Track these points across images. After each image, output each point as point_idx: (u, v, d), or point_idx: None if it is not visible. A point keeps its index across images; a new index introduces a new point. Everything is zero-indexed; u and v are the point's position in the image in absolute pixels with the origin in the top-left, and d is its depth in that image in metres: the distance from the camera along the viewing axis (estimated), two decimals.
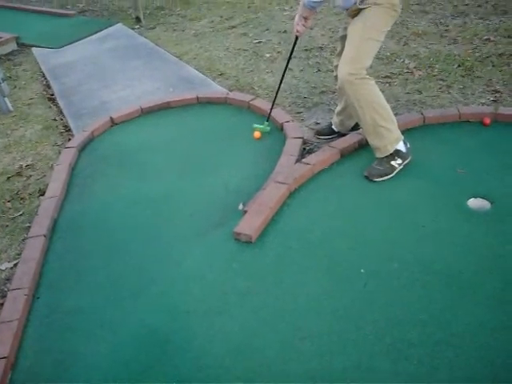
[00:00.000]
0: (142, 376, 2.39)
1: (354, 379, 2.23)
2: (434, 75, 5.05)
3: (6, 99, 5.68)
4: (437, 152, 3.70)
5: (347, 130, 3.99)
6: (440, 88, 4.78)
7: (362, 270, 2.78)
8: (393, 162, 3.48)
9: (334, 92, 4.78)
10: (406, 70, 5.24)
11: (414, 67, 5.28)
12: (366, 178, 3.49)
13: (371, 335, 2.42)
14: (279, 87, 4.21)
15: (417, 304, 2.54)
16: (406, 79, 5.04)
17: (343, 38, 3.52)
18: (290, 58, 3.98)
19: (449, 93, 4.66)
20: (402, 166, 3.51)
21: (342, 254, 2.92)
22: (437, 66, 5.23)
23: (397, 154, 3.48)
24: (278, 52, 6.25)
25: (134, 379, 2.38)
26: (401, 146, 3.49)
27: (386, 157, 3.48)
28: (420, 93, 4.73)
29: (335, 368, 2.29)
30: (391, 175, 3.47)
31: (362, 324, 2.47)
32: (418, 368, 2.24)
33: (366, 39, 3.27)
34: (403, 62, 5.44)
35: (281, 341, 2.45)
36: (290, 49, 3.94)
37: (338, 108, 3.98)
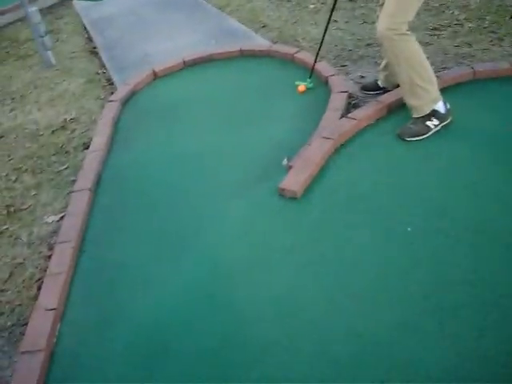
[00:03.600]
0: (186, 331, 2.41)
1: (400, 338, 2.20)
2: (485, 27, 4.85)
3: (48, 52, 5.70)
4: (488, 108, 3.57)
5: (393, 86, 3.87)
6: (491, 41, 4.59)
7: (409, 229, 2.72)
8: (428, 123, 3.37)
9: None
10: (455, 22, 5.04)
11: (464, 18, 5.07)
12: (399, 136, 3.40)
13: (417, 294, 2.38)
14: (322, 40, 4.08)
15: (464, 264, 2.49)
16: (456, 31, 4.86)
17: None
18: (333, 8, 3.83)
19: (500, 46, 4.47)
20: (439, 127, 3.39)
21: (388, 211, 2.87)
22: (488, 17, 5.02)
23: (434, 114, 3.37)
24: (323, 3, 6.07)
25: (179, 334, 2.40)
26: (439, 107, 3.38)
27: (422, 117, 3.37)
28: (470, 46, 4.55)
29: (380, 327, 2.27)
30: (425, 136, 3.37)
31: (408, 283, 2.44)
32: (464, 329, 2.19)
33: None
34: (452, 13, 5.23)
35: (325, 298, 2.44)
36: None
37: (383, 63, 3.85)
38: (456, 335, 2.18)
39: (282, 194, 3.08)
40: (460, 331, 2.19)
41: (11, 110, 4.95)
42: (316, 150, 3.30)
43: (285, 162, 3.37)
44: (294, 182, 3.09)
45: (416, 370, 2.08)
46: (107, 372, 2.31)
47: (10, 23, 7.68)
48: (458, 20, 5.07)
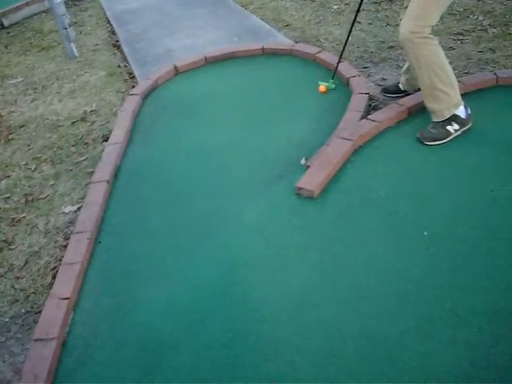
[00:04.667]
0: (199, 325, 2.41)
1: (412, 344, 2.19)
2: (510, 33, 4.79)
3: (72, 44, 5.73)
4: (510, 115, 3.53)
5: (414, 89, 3.84)
6: None
7: (426, 233, 2.71)
8: (449, 127, 3.35)
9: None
10: (479, 27, 5.00)
11: (489, 24, 5.02)
12: (418, 140, 3.38)
13: (431, 299, 2.36)
14: (347, 41, 4.07)
15: (480, 271, 2.46)
16: (480, 37, 4.81)
17: None
18: (358, 10, 3.83)
19: None
20: (459, 132, 3.36)
21: (405, 215, 2.85)
22: None
23: (454, 119, 3.34)
24: (346, 4, 6.06)
25: (192, 328, 2.41)
26: (460, 112, 3.35)
27: (442, 121, 3.34)
28: (493, 52, 4.51)
29: (392, 331, 2.25)
30: (445, 141, 3.34)
31: (422, 288, 2.42)
32: (477, 336, 2.17)
33: None
34: (477, 18, 5.19)
35: (339, 299, 2.43)
36: (359, 1, 3.78)
37: (405, 66, 3.83)
38: (469, 342, 2.16)
39: (298, 193, 3.08)
40: (473, 339, 2.17)
41: (33, 100, 4.99)
42: (335, 151, 3.29)
43: (303, 161, 3.36)
44: (311, 181, 3.08)
45: (427, 376, 2.06)
46: (118, 363, 2.32)
47: (35, 14, 7.73)
48: (482, 25, 5.03)
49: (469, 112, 3.38)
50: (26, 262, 3.03)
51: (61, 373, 2.33)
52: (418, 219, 2.81)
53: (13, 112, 4.82)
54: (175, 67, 4.96)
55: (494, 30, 4.89)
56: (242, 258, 2.75)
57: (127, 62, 5.54)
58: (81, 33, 6.59)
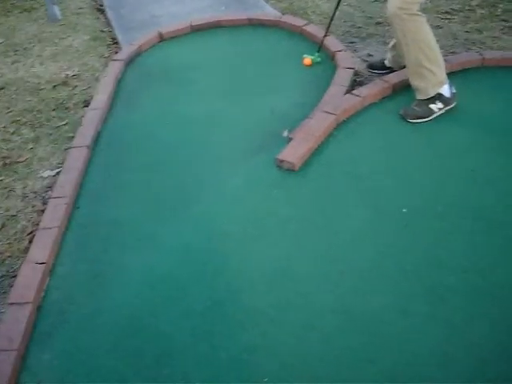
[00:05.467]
0: (177, 293, 2.41)
1: (390, 318, 2.21)
2: (497, 15, 4.79)
3: (55, 7, 5.61)
4: (494, 96, 3.55)
5: (399, 67, 3.82)
6: (502, 29, 4.54)
7: (404, 210, 2.72)
8: (432, 106, 3.35)
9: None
10: (467, 7, 4.98)
11: (477, 5, 5.01)
12: (401, 117, 3.39)
13: (410, 276, 2.38)
14: (333, 15, 4.02)
15: (459, 249, 2.49)
16: (467, 17, 4.80)
17: None
18: None
19: (511, 35, 4.43)
20: (443, 111, 3.37)
21: (386, 191, 2.86)
22: (501, 5, 4.95)
23: (438, 98, 3.35)
24: None
25: (170, 296, 2.41)
26: (444, 91, 3.35)
27: (426, 99, 3.35)
28: (480, 32, 4.51)
29: (371, 306, 2.27)
30: (428, 119, 3.36)
31: (401, 264, 2.44)
32: (454, 314, 2.21)
33: None
34: None
35: (318, 272, 2.44)
36: None
37: (391, 43, 3.81)
38: (446, 320, 2.19)
39: (280, 165, 3.07)
40: (450, 316, 2.20)
41: (13, 63, 4.88)
42: (317, 124, 3.28)
43: (285, 133, 3.35)
44: (292, 154, 3.07)
45: (403, 350, 2.09)
46: (93, 329, 2.31)
47: None
48: (470, 6, 5.01)
49: (453, 91, 3.38)
50: (3, 226, 2.99)
51: (36, 336, 2.31)
52: (397, 196, 2.82)
53: None
54: (160, 34, 4.88)
55: (482, 11, 4.88)
56: (221, 227, 2.74)
57: (111, 27, 5.44)
58: None
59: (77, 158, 3.31)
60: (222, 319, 2.28)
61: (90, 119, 3.69)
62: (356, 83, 3.90)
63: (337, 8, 3.95)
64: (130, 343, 2.23)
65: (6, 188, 3.27)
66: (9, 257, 2.78)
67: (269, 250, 2.58)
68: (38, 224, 2.88)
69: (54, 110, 4.04)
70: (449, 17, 4.81)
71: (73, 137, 3.59)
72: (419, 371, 2.02)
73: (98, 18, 5.75)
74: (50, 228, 2.79)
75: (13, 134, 3.80)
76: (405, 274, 2.39)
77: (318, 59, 4.20)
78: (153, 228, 2.81)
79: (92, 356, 2.20)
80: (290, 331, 2.20)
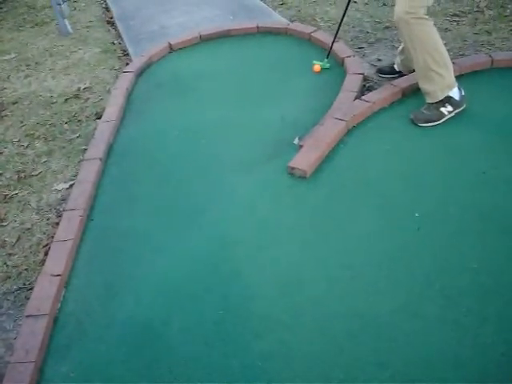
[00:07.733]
0: (190, 303, 2.43)
1: (400, 322, 2.21)
2: (506, 16, 4.78)
3: (65, 21, 5.68)
4: (504, 97, 3.53)
5: (409, 71, 3.83)
6: (511, 30, 4.53)
7: (417, 214, 2.72)
8: (442, 109, 3.35)
9: None
10: (475, 9, 4.97)
11: (485, 6, 5.00)
12: (411, 121, 3.39)
13: (421, 279, 2.38)
14: (342, 20, 4.04)
15: (470, 251, 2.49)
16: (476, 18, 4.79)
17: None
18: None
19: None
20: (452, 114, 3.37)
21: (397, 196, 2.86)
22: (509, 6, 4.93)
23: (448, 100, 3.34)
24: None
25: (183, 305, 2.42)
26: (454, 93, 3.35)
27: (436, 103, 3.34)
28: (489, 34, 4.50)
29: (382, 310, 2.28)
30: (438, 122, 3.35)
31: (412, 268, 2.44)
32: (465, 316, 2.20)
33: None
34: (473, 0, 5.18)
35: (329, 278, 2.45)
36: None
37: (400, 47, 3.82)
38: (457, 322, 2.18)
39: (291, 172, 3.08)
40: (461, 319, 2.20)
41: (26, 77, 4.95)
42: (328, 131, 3.29)
43: (296, 140, 3.36)
44: (303, 161, 3.09)
45: (415, 353, 2.09)
46: (109, 340, 2.33)
47: None
48: (478, 7, 5.00)
49: (463, 94, 3.38)
50: (19, 239, 3.03)
51: (53, 349, 2.34)
52: (409, 200, 2.82)
53: (5, 88, 4.78)
54: (169, 45, 4.93)
55: (491, 12, 4.87)
56: (233, 236, 2.76)
57: (121, 39, 5.50)
58: (75, 9, 6.52)
59: (89, 171, 3.34)
60: (235, 327, 2.29)
61: (102, 131, 3.73)
62: (365, 88, 3.91)
63: (345, 14, 3.96)
64: (145, 353, 2.25)
65: (21, 201, 3.31)
66: (25, 270, 2.81)
67: (280, 256, 2.59)
68: (52, 236, 2.91)
69: (66, 122, 4.08)
70: (457, 19, 4.81)
71: (85, 149, 3.63)
72: (431, 374, 2.02)
73: (108, 31, 5.81)
74: (65, 240, 2.82)
75: (27, 147, 3.85)
76: (416, 277, 2.40)
77: (327, 65, 4.22)
78: (165, 238, 2.84)
79: (108, 368, 2.22)
80: (304, 337, 2.21)
